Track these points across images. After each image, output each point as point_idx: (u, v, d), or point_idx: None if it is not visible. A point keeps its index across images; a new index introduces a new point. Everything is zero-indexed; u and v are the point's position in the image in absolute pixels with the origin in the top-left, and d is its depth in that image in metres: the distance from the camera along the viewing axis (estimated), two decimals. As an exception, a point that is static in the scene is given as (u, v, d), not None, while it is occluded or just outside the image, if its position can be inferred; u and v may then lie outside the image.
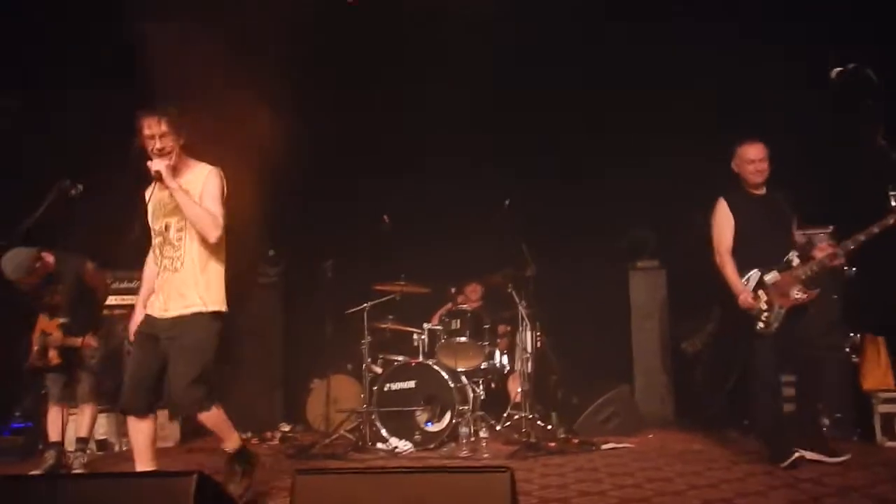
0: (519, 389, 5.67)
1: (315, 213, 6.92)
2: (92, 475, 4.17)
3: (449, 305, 6.37)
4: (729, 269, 4.44)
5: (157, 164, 3.55)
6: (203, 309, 3.58)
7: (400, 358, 5.80)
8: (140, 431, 3.62)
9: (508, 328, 6.30)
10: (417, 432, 5.35)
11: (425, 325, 5.99)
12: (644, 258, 6.73)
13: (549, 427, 5.73)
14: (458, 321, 5.92)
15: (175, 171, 3.59)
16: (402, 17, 6.07)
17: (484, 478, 2.32)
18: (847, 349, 5.32)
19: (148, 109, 3.58)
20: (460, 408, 5.36)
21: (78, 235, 5.06)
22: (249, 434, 6.04)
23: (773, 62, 5.60)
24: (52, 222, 4.60)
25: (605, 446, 5.18)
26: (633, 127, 6.34)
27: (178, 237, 3.63)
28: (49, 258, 4.77)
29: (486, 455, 5.01)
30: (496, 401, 6.00)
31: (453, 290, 6.52)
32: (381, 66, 6.50)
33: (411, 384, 5.49)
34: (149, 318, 3.65)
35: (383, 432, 5.40)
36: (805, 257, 4.37)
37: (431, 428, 5.37)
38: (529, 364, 5.58)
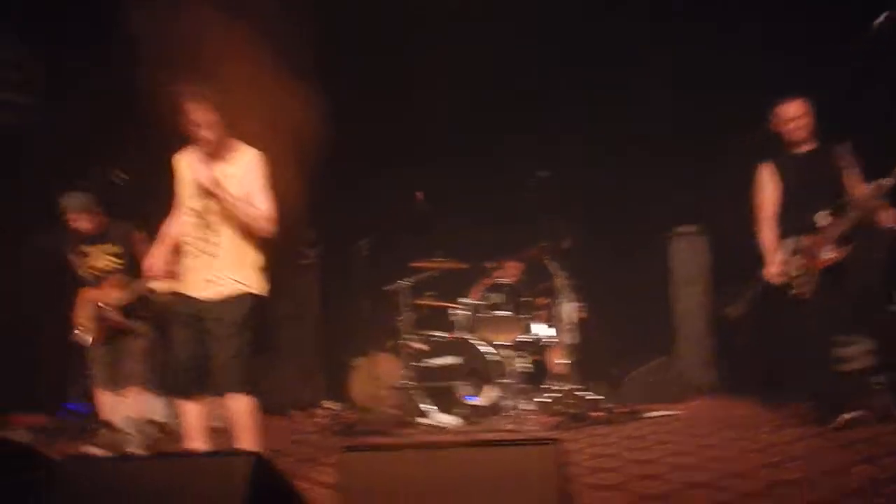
0: (559, 361, 5.65)
1: (351, 192, 6.91)
2: (146, 455, 4.27)
3: (487, 280, 6.35)
4: (766, 237, 4.35)
5: (204, 176, 3.47)
6: (248, 290, 3.59)
7: (440, 333, 5.82)
8: (190, 413, 3.62)
9: (547, 300, 6.26)
10: (460, 407, 5.38)
11: (464, 300, 5.99)
12: (683, 224, 6.62)
13: (592, 397, 5.70)
14: (497, 295, 5.91)
15: (216, 154, 3.55)
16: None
17: (532, 450, 2.28)
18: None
19: (194, 94, 3.41)
20: (502, 381, 5.36)
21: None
22: (294, 412, 6.13)
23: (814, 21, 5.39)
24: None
25: (649, 414, 5.16)
26: (672, 91, 6.21)
27: (219, 221, 3.59)
28: (105, 217, 4.88)
29: (530, 427, 5.01)
30: (537, 373, 5.98)
31: (491, 264, 6.49)
32: (418, 38, 6.43)
33: (452, 359, 5.50)
34: (188, 300, 3.61)
35: (426, 407, 5.44)
36: (841, 214, 4.18)
37: (474, 402, 5.39)
38: (569, 336, 5.55)
